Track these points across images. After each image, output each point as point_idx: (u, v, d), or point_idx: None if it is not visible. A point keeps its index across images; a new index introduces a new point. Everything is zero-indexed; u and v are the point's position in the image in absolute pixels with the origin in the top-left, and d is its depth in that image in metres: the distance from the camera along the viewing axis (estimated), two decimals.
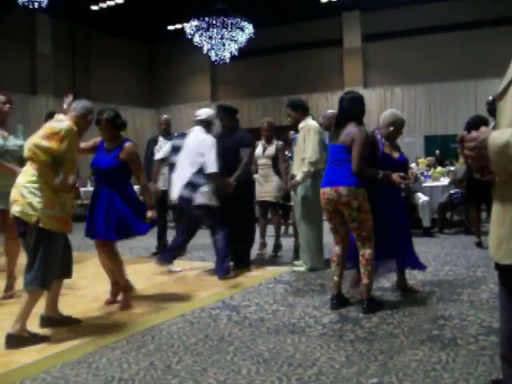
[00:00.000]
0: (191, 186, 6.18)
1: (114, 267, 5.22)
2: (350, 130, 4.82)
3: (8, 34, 16.31)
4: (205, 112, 6.60)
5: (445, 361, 3.52)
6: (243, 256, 6.95)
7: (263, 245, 7.82)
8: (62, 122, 4.31)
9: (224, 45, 15.70)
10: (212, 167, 6.12)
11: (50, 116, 7.42)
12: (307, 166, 6.35)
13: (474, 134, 1.77)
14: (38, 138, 4.17)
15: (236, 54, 16.05)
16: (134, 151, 5.12)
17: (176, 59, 21.21)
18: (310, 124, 6.54)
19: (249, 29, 15.47)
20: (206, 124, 6.49)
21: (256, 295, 5.47)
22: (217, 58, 16.15)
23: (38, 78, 17.45)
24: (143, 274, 6.69)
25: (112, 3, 16.35)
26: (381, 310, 4.74)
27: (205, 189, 6.19)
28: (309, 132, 6.44)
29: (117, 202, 4.99)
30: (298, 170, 6.48)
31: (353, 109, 4.97)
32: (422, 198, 9.39)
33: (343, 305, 4.90)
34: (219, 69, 20.09)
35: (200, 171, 6.18)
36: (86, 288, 5.99)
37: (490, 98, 6.30)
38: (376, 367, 3.46)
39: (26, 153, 4.25)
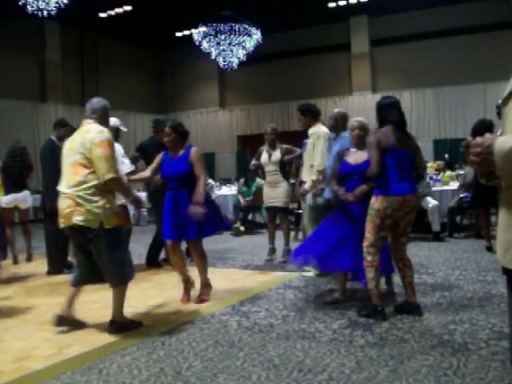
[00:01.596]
0: None
1: (200, 263, 5.63)
2: (410, 135, 4.92)
3: (18, 42, 16.44)
4: (113, 121, 7.03)
5: (456, 366, 3.50)
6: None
7: (272, 250, 7.81)
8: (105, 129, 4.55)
9: (232, 51, 15.75)
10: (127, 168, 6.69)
11: (59, 123, 7.50)
12: (315, 175, 6.33)
13: (478, 139, 1.77)
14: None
15: (244, 59, 16.10)
16: (199, 154, 5.49)
17: (184, 65, 21.27)
18: (319, 131, 6.51)
19: (257, 35, 15.52)
20: (113, 132, 6.83)
21: (266, 301, 5.47)
22: (225, 63, 16.21)
23: (47, 85, 17.55)
24: (153, 281, 6.70)
25: (120, 10, 16.44)
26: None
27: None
28: (318, 139, 6.42)
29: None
30: (307, 177, 6.47)
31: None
32: (431, 202, 9.36)
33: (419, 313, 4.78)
34: (227, 75, 20.14)
35: None
36: (97, 293, 6.00)
37: (500, 101, 6.23)
38: (386, 372, 3.44)
39: (72, 159, 4.45)
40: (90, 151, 4.36)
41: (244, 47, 15.72)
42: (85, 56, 19.36)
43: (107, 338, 4.39)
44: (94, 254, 4.52)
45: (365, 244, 4.78)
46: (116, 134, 7.18)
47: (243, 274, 6.62)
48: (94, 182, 4.36)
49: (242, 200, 11.50)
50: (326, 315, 4.85)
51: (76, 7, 12.60)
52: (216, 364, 3.73)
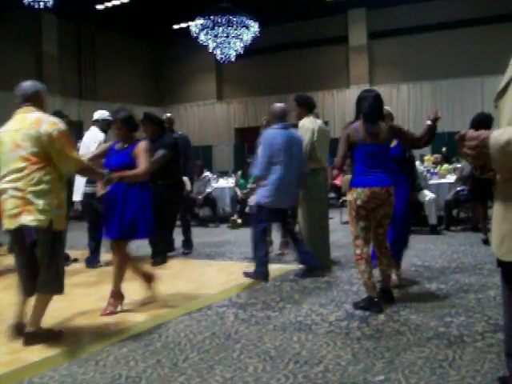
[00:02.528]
0: (90, 181, 6.63)
1: (119, 269, 5.05)
2: (384, 126, 4.88)
3: (14, 34, 16.39)
4: (99, 113, 7.46)
5: (451, 358, 3.51)
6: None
7: (269, 243, 7.81)
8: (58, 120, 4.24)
9: (229, 43, 15.72)
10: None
11: (56, 115, 7.46)
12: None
13: (474, 133, 1.77)
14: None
15: (242, 52, 16.07)
16: (146, 148, 5.08)
17: (182, 58, 21.23)
18: (305, 124, 6.49)
19: (254, 27, 15.48)
20: (101, 124, 7.38)
21: (262, 293, 5.48)
22: (222, 56, 16.18)
23: (44, 77, 17.48)
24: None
25: (117, 2, 16.40)
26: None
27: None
28: (306, 132, 6.40)
29: (130, 201, 4.91)
30: None
31: (381, 106, 4.96)
32: (428, 195, 9.37)
33: (393, 299, 4.96)
34: (225, 67, 20.12)
35: None
36: (92, 286, 6.01)
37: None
38: (382, 364, 3.45)
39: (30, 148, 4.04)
40: (46, 145, 4.01)
41: (241, 40, 15.69)
42: (82, 48, 19.31)
43: (104, 331, 4.40)
44: (37, 259, 4.10)
45: (351, 238, 4.91)
46: (108, 126, 7.22)
47: (240, 267, 6.62)
48: (48, 177, 4.03)
49: (239, 192, 11.49)
50: (323, 307, 4.86)
51: None
52: (213, 356, 3.74)
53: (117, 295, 5.01)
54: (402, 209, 5.42)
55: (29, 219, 3.96)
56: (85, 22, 18.80)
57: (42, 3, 11.72)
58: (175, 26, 19.15)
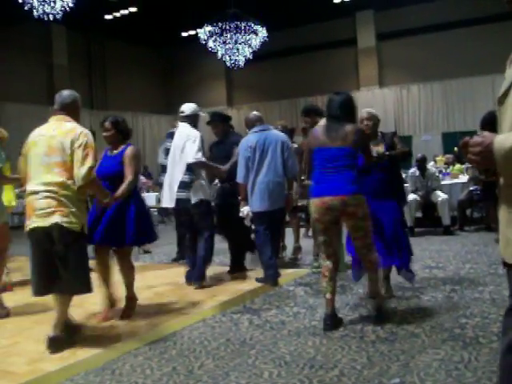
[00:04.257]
0: (184, 185, 6.11)
1: (126, 275, 5.13)
2: (349, 129, 4.47)
3: (25, 46, 16.53)
4: (188, 107, 6.50)
5: (467, 360, 3.50)
6: (239, 261, 6.98)
7: (282, 247, 7.81)
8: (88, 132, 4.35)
9: (238, 49, 15.76)
10: (193, 155, 5.99)
11: None
12: None
13: (477, 138, 1.78)
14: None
15: (251, 57, 16.10)
16: (133, 153, 5.05)
17: (191, 65, 21.31)
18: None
19: (262, 32, 15.52)
20: (192, 119, 6.42)
21: (276, 298, 5.48)
22: (231, 62, 16.22)
23: (55, 88, 17.48)
24: (164, 280, 6.73)
25: (126, 12, 16.49)
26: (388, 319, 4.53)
27: (197, 185, 6.12)
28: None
29: (126, 208, 4.94)
30: None
31: (347, 108, 4.63)
32: (441, 195, 9.34)
33: (338, 325, 4.41)
34: (234, 73, 20.16)
35: (189, 168, 6.09)
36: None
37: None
38: (397, 367, 3.45)
39: (55, 158, 4.18)
40: (72, 153, 4.16)
41: (250, 45, 15.73)
42: (92, 59, 19.44)
43: (119, 339, 4.42)
44: (62, 261, 4.15)
45: None
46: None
47: (254, 273, 6.63)
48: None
49: None
50: (337, 311, 4.85)
51: (81, 10, 12.65)
52: (228, 362, 3.76)
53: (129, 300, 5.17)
54: (390, 224, 4.98)
55: (64, 220, 4.10)
56: (94, 33, 18.93)
57: (51, 15, 11.81)
58: (184, 34, 19.23)
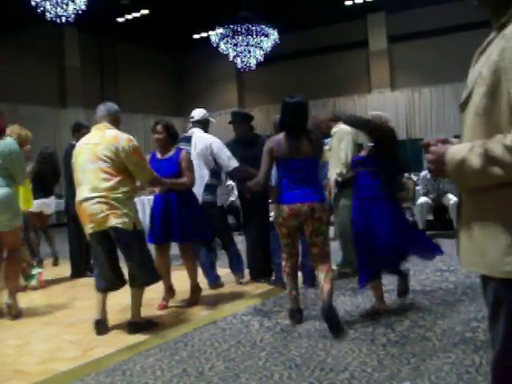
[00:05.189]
0: (210, 188, 6.25)
1: (190, 268, 5.70)
2: (314, 137, 4.64)
3: (38, 49, 16.61)
4: (199, 112, 6.62)
5: (478, 363, 3.49)
6: (265, 265, 6.66)
7: None
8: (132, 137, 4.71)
9: (250, 51, 15.76)
10: (234, 162, 6.14)
11: (77, 127, 7.56)
12: (341, 168, 6.40)
13: (433, 147, 1.79)
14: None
15: (262, 60, 16.09)
16: (189, 158, 5.53)
17: (202, 67, 21.34)
18: (344, 128, 6.54)
19: (274, 34, 15.50)
20: (203, 124, 6.58)
21: (287, 300, 5.45)
22: (243, 64, 16.22)
23: (67, 90, 17.71)
24: (176, 282, 6.73)
25: (137, 14, 16.51)
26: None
27: (222, 189, 6.52)
28: (346, 136, 6.44)
29: (186, 205, 5.43)
30: (333, 172, 6.55)
31: (304, 115, 4.67)
32: (452, 198, 9.30)
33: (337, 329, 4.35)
34: (246, 75, 20.16)
35: (214, 172, 6.29)
36: (116, 296, 6.06)
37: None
38: (408, 370, 3.44)
39: (99, 164, 4.54)
40: (123, 159, 4.55)
41: (261, 48, 15.73)
42: (103, 61, 19.49)
43: (130, 340, 4.44)
44: (126, 257, 4.68)
45: None
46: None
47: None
48: (126, 188, 4.57)
49: None
50: (347, 314, 4.85)
51: (94, 13, 12.69)
52: (238, 364, 3.76)
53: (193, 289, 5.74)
54: (384, 231, 4.74)
55: (118, 221, 4.49)
56: (106, 35, 18.98)
57: (64, 18, 11.86)
58: (195, 36, 19.24)
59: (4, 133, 5.44)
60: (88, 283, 6.06)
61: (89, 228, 4.59)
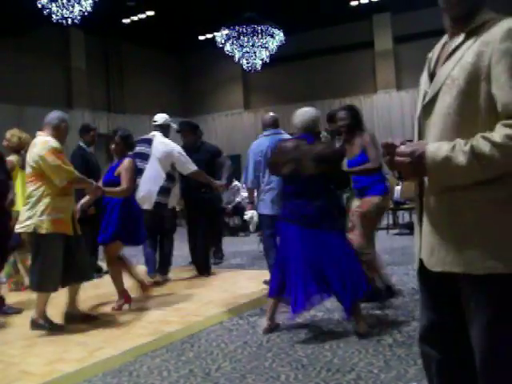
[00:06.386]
0: (164, 190, 6.63)
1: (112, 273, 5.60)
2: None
3: (43, 50, 16.66)
4: (162, 117, 7.02)
5: None
6: (205, 262, 7.30)
7: None
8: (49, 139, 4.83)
9: (255, 52, 15.76)
10: (193, 166, 6.59)
11: (85, 129, 7.58)
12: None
13: (406, 148, 1.78)
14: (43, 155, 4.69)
15: (268, 61, 16.10)
16: (127, 166, 5.47)
17: (208, 68, 21.35)
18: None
19: (279, 35, 15.51)
20: (164, 129, 6.97)
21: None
22: (248, 65, 16.23)
23: (73, 92, 17.76)
24: (181, 283, 6.76)
25: (143, 16, 16.54)
26: None
27: (175, 192, 6.82)
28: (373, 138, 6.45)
29: (118, 210, 5.41)
30: None
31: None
32: None
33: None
34: (251, 76, 20.16)
35: (169, 176, 6.64)
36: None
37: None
38: (415, 371, 3.44)
39: (29, 168, 4.77)
40: (40, 164, 4.68)
41: (267, 48, 15.73)
42: (109, 62, 19.52)
43: (136, 341, 4.44)
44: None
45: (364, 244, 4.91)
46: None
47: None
48: (40, 192, 4.73)
49: None
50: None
51: (99, 14, 12.71)
52: (245, 365, 3.76)
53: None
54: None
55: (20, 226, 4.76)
56: (111, 37, 19.01)
57: (70, 19, 11.90)
58: (201, 37, 19.26)
59: None
60: (94, 284, 6.07)
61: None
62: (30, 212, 4.68)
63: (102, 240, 5.47)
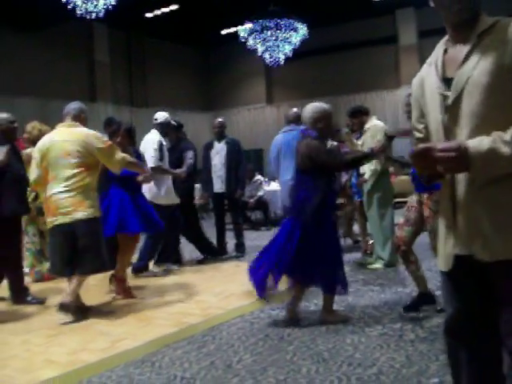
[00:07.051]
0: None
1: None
2: None
3: (67, 44, 16.79)
4: (162, 115, 7.24)
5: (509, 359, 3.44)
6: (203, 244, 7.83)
7: None
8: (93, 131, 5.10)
9: (278, 47, 15.72)
10: (150, 162, 6.67)
11: (109, 122, 7.65)
12: (375, 165, 6.43)
13: (447, 144, 1.83)
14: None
15: (290, 55, 16.05)
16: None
17: (231, 62, 21.37)
18: (377, 124, 6.70)
19: (303, 30, 15.45)
20: (163, 127, 7.21)
21: (315, 296, 5.45)
22: (271, 60, 16.19)
23: (96, 85, 17.88)
24: (202, 276, 6.79)
25: (166, 10, 16.58)
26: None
27: (158, 188, 6.91)
28: (380, 132, 6.42)
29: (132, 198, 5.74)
30: (368, 168, 6.64)
31: None
32: None
33: None
34: (274, 71, 20.13)
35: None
36: (146, 290, 6.12)
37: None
38: (437, 367, 3.42)
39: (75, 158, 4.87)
40: (94, 152, 4.94)
41: (290, 43, 15.67)
42: (132, 56, 19.61)
43: (159, 333, 4.47)
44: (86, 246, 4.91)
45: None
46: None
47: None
48: (89, 180, 4.99)
49: None
50: (376, 310, 4.83)
51: (123, 8, 12.77)
52: (266, 357, 3.77)
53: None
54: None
55: (84, 213, 4.85)
56: (135, 31, 19.10)
57: (93, 14, 11.96)
58: (224, 32, 19.27)
59: None
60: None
61: (55, 220, 4.85)
62: (91, 201, 4.90)
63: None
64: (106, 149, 4.98)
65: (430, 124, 2.10)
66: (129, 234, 5.66)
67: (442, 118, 2.00)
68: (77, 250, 4.88)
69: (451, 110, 1.97)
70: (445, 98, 2.00)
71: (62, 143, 4.89)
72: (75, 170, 4.84)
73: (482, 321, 2.04)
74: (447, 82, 2.02)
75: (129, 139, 5.95)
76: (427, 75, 2.13)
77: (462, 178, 1.95)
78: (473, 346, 2.07)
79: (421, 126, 2.20)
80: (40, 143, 5.07)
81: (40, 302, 5.58)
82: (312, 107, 4.66)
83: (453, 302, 2.14)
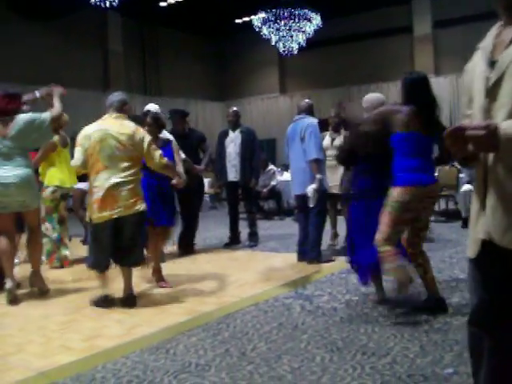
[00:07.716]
0: None
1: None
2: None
3: (81, 33, 16.82)
4: (153, 107, 7.01)
5: None
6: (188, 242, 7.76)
7: (335, 235, 7.76)
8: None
9: (292, 36, 15.67)
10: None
11: (145, 114, 7.73)
12: None
13: (479, 122, 1.82)
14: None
15: (304, 45, 15.99)
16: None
17: (244, 52, 21.32)
18: None
19: (316, 19, 15.38)
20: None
21: (329, 285, 5.49)
22: (285, 49, 16.15)
23: (110, 74, 17.92)
24: (216, 264, 6.81)
25: None
26: None
27: None
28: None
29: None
30: None
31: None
32: (464, 186, 9.26)
33: None
34: (287, 60, 20.07)
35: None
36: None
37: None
38: (451, 357, 3.42)
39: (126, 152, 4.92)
40: (142, 149, 5.00)
41: (304, 32, 15.61)
42: (146, 46, 19.62)
43: (173, 320, 4.51)
44: (134, 237, 5.05)
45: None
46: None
47: (305, 259, 6.64)
48: (138, 175, 5.12)
49: None
50: (390, 300, 4.83)
51: None
52: (280, 346, 3.79)
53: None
54: None
55: (143, 206, 5.02)
56: (148, 20, 19.08)
57: (107, 2, 11.99)
58: (237, 21, 19.22)
59: (12, 114, 5.32)
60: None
61: (115, 213, 4.84)
62: (142, 193, 5.07)
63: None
64: (151, 144, 5.05)
65: (475, 108, 2.07)
66: (164, 227, 5.86)
67: (484, 100, 1.97)
68: (121, 242, 4.99)
69: (491, 92, 1.94)
70: (488, 80, 1.97)
71: (117, 135, 4.89)
72: (129, 163, 4.91)
73: (507, 311, 2.02)
74: (493, 64, 1.99)
75: (157, 127, 6.00)
76: (478, 60, 2.11)
77: (494, 160, 1.91)
78: (496, 336, 2.05)
79: (469, 112, 2.15)
80: (87, 132, 4.97)
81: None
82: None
83: (478, 291, 2.12)
